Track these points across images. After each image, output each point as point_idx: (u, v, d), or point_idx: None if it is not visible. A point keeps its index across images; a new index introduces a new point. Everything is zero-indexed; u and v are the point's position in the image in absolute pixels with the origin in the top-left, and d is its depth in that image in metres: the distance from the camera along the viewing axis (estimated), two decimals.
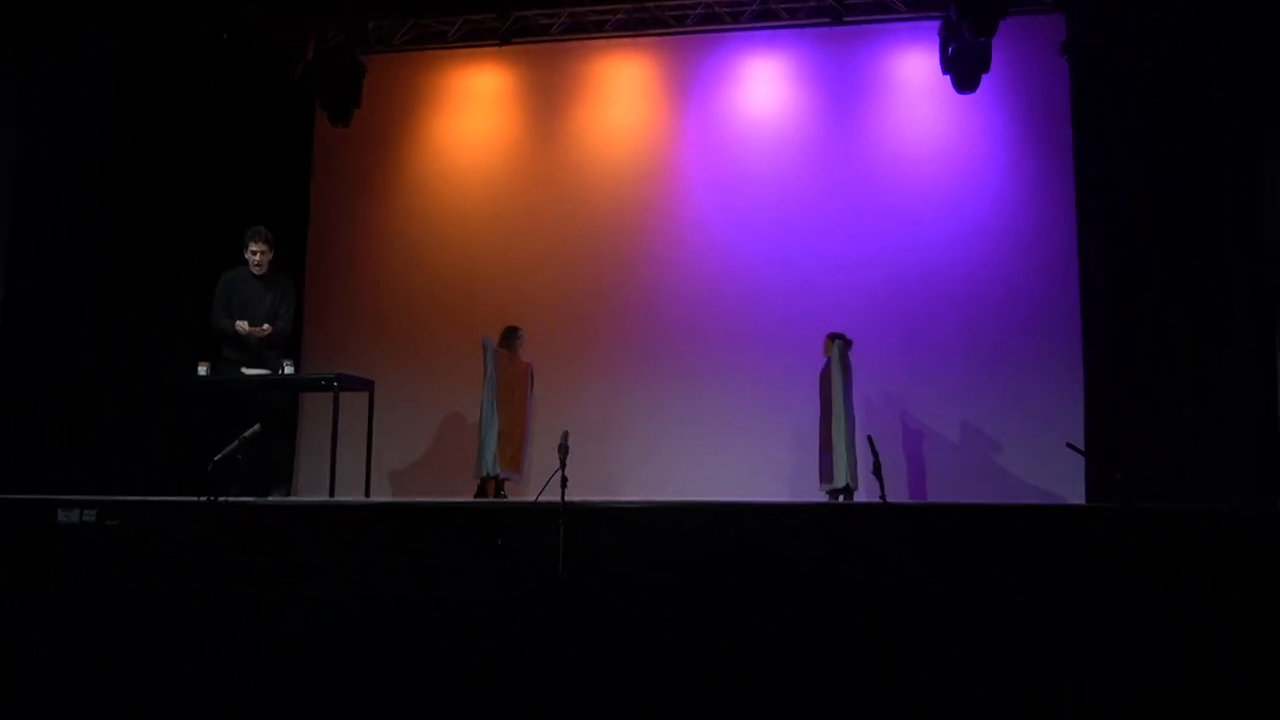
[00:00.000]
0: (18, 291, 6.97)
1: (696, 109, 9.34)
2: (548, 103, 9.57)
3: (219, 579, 4.27)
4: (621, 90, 9.50)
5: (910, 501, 7.74)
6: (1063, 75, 8.43)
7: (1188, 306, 6.94)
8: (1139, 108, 7.53)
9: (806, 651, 3.84)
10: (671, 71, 9.44)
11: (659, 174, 9.31)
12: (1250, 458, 6.44)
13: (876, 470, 4.31)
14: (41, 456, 7.15)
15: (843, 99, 9.08)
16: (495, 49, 9.62)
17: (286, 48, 7.74)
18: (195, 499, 4.60)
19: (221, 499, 4.48)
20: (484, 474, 7.97)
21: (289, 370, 6.55)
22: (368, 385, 6.94)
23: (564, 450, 4.31)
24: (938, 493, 8.22)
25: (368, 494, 7.01)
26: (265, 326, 6.62)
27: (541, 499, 4.56)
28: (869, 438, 4.50)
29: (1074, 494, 7.73)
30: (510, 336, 8.27)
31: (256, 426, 4.66)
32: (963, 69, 8.27)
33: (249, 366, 6.64)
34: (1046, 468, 7.97)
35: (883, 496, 4.30)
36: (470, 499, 7.72)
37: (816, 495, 7.87)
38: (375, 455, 7.06)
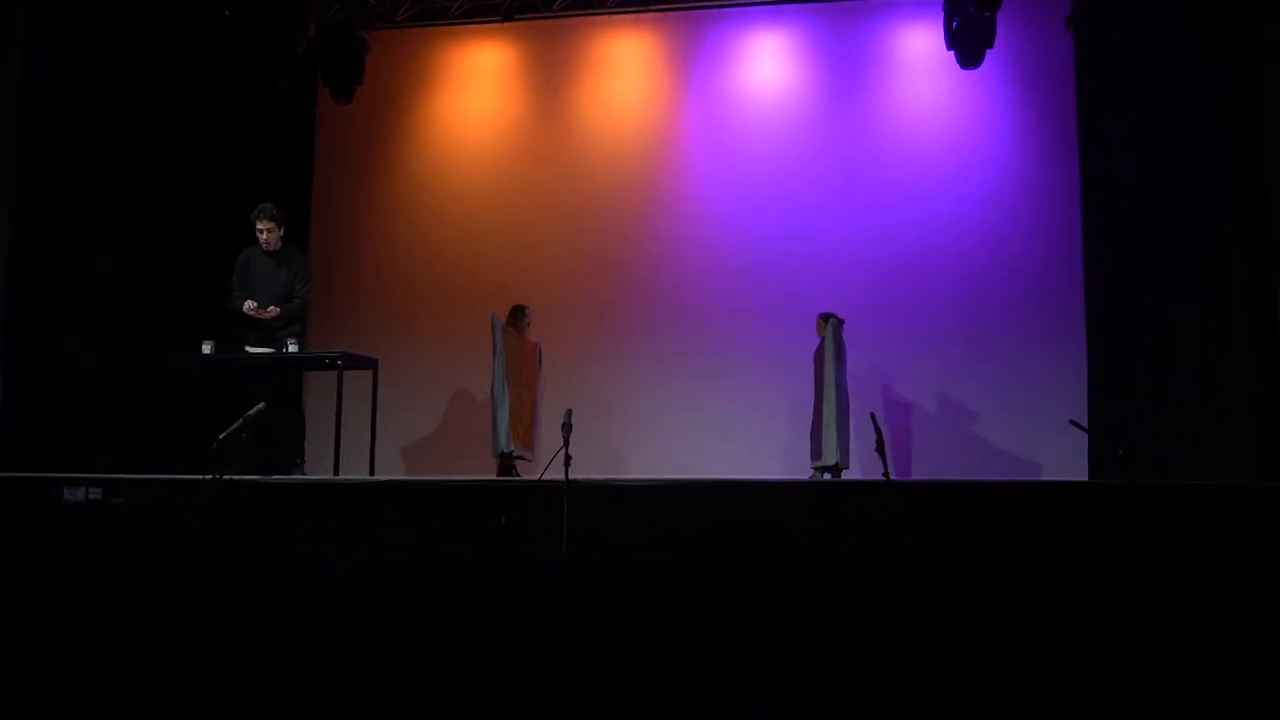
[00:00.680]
0: (21, 273, 6.97)
1: (700, 85, 9.30)
2: (551, 79, 9.53)
3: (224, 556, 4.29)
4: (624, 67, 9.45)
5: (911, 479, 7.75)
6: (1067, 50, 8.39)
7: (1187, 289, 6.93)
8: (1137, 105, 7.50)
9: (806, 628, 3.86)
10: (674, 47, 9.40)
11: (662, 150, 9.28)
12: (1250, 440, 6.44)
13: (879, 448, 4.30)
14: (47, 436, 7.17)
15: (846, 74, 9.04)
16: (498, 25, 9.58)
17: (286, 31, 7.70)
18: (201, 477, 4.61)
19: (226, 477, 4.49)
20: (499, 451, 8.01)
21: (293, 349, 6.55)
22: (371, 364, 6.94)
23: (567, 428, 4.31)
24: (939, 471, 8.23)
25: (372, 472, 7.03)
26: (272, 308, 6.62)
27: (545, 477, 4.57)
28: (872, 415, 4.49)
29: (1077, 472, 7.74)
30: (518, 315, 8.28)
31: (261, 405, 4.66)
32: (967, 44, 8.24)
33: (254, 345, 6.65)
34: (1049, 445, 7.98)
35: (886, 474, 4.30)
36: (472, 477, 7.74)
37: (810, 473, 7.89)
38: (380, 433, 7.06)
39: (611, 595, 4.01)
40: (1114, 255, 7.82)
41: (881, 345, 8.56)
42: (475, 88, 9.69)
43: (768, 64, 9.23)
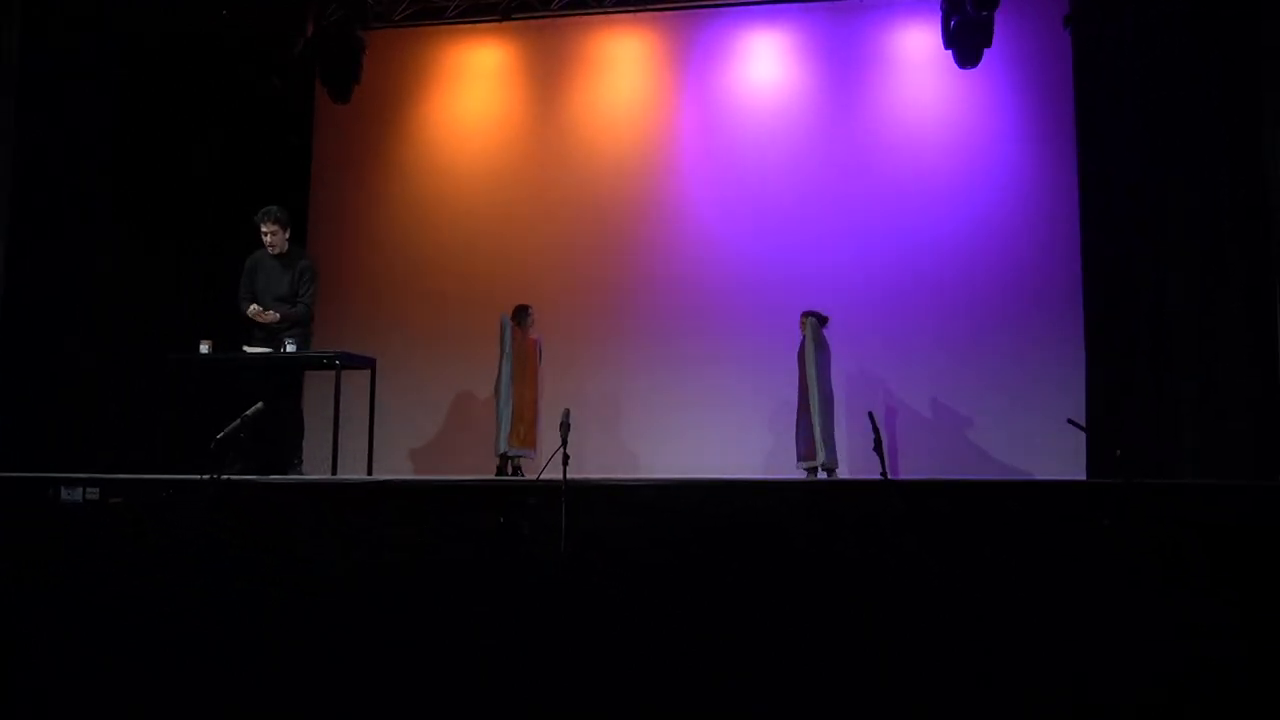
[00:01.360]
0: (20, 272, 6.96)
1: (698, 84, 9.29)
2: (549, 79, 9.53)
3: (222, 556, 4.28)
4: (622, 66, 9.45)
5: (910, 478, 7.74)
6: (1065, 49, 8.40)
7: (1186, 288, 6.92)
8: (1136, 105, 7.50)
9: (805, 628, 3.86)
10: (672, 46, 9.39)
11: (660, 149, 9.27)
12: (1249, 439, 6.44)
13: (877, 447, 4.30)
14: (44, 435, 7.16)
15: (843, 73, 9.03)
16: (496, 24, 9.57)
17: (284, 30, 7.70)
18: (199, 477, 4.60)
19: (224, 477, 4.49)
20: (502, 451, 8.00)
21: (291, 349, 6.54)
22: (369, 363, 6.93)
23: (565, 428, 4.31)
24: (937, 471, 8.21)
25: (370, 472, 7.02)
26: (271, 313, 6.61)
27: (543, 477, 4.56)
28: (870, 414, 4.49)
29: (1075, 471, 7.73)
30: (522, 314, 8.28)
31: (260, 405, 4.66)
32: (965, 43, 8.24)
33: (255, 346, 6.64)
34: (1047, 444, 7.96)
35: (884, 473, 4.29)
36: (470, 477, 7.73)
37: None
38: (377, 433, 7.05)
39: (610, 595, 4.00)
40: (1112, 254, 7.82)
41: (878, 344, 8.57)
42: (473, 87, 9.68)
43: (765, 63, 9.23)
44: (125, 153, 7.92)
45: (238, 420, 4.51)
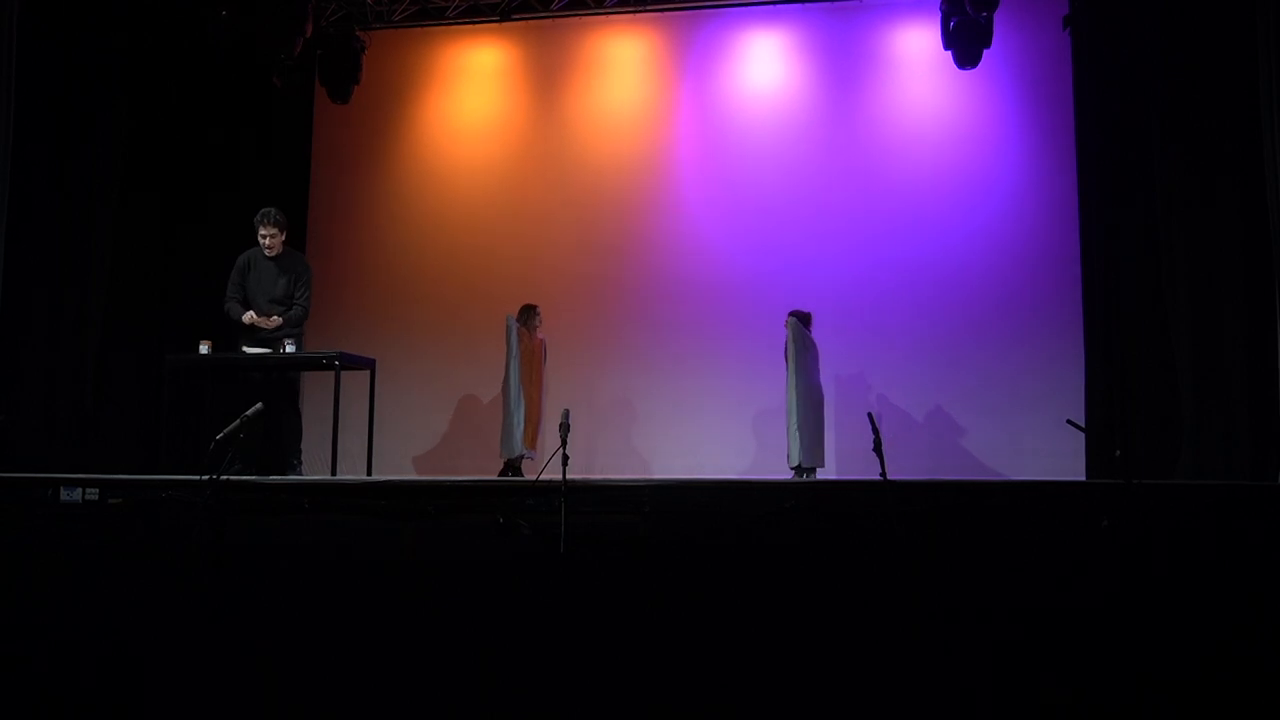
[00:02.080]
0: (18, 272, 6.97)
1: (697, 84, 9.31)
2: (548, 79, 9.54)
3: (221, 556, 4.30)
4: (622, 66, 9.46)
5: (909, 479, 7.75)
6: (1065, 50, 8.41)
7: (1186, 288, 6.93)
8: (1136, 106, 7.51)
9: (805, 629, 3.87)
10: (672, 47, 9.40)
11: (660, 150, 9.28)
12: (1247, 440, 6.45)
13: (877, 448, 4.31)
14: (43, 435, 7.17)
15: (842, 74, 9.05)
16: (495, 25, 9.58)
17: (283, 31, 7.72)
18: (198, 477, 4.61)
19: (223, 477, 4.50)
20: (512, 454, 8.00)
21: (290, 349, 6.55)
22: (369, 364, 6.94)
23: (565, 429, 4.32)
24: (936, 472, 8.22)
25: (370, 472, 7.03)
26: (273, 318, 6.61)
27: (543, 477, 4.58)
28: (869, 415, 4.51)
29: (1074, 472, 7.75)
30: (528, 315, 8.28)
31: (259, 405, 4.67)
32: (964, 44, 8.25)
33: (250, 346, 6.65)
34: (1047, 445, 7.97)
35: (883, 473, 4.31)
36: (470, 477, 7.74)
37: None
38: (377, 433, 7.06)
39: (609, 595, 4.01)
40: (1112, 255, 7.83)
41: (878, 345, 8.58)
42: (472, 88, 9.69)
43: (765, 63, 9.24)
44: (124, 153, 7.93)
45: (237, 421, 4.53)
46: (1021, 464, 8.09)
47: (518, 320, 8.20)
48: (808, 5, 9.18)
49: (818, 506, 4.74)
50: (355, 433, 6.95)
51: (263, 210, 6.73)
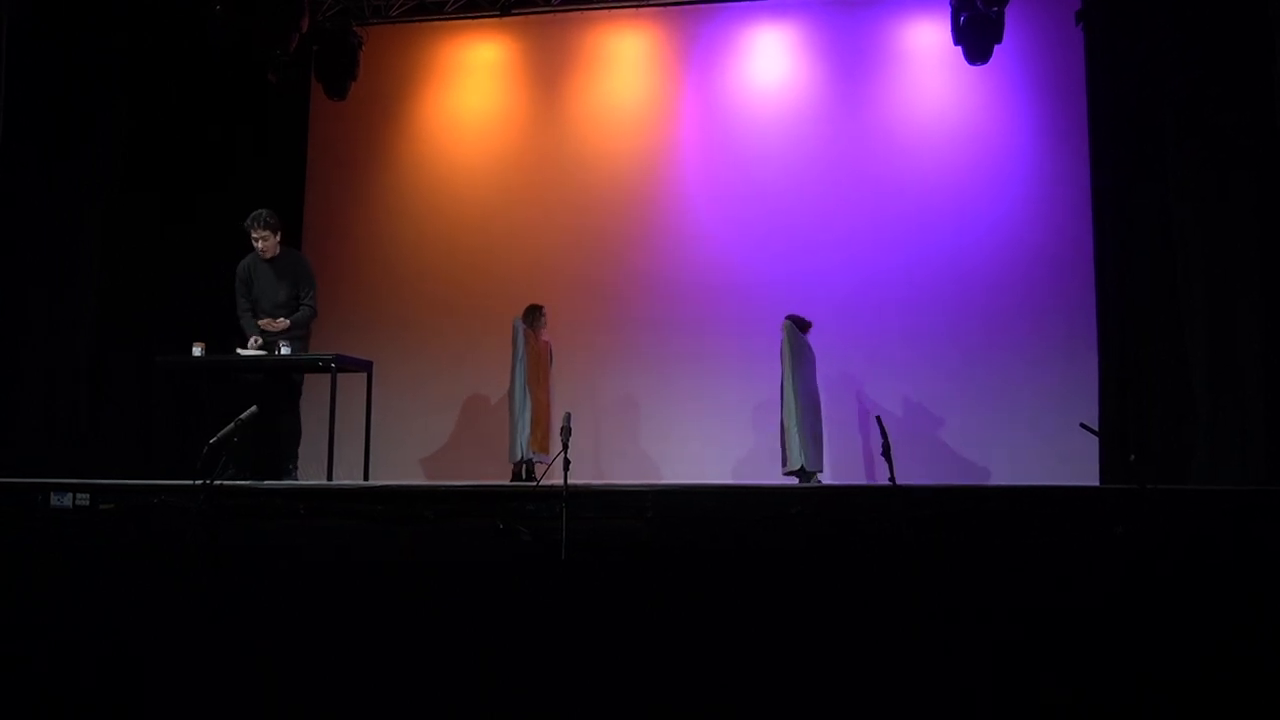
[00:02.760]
0: (8, 272, 6.98)
1: (701, 80, 9.29)
2: (549, 75, 9.53)
3: (215, 562, 4.29)
4: (624, 62, 9.45)
5: (921, 484, 7.74)
6: (1078, 45, 8.39)
7: (1203, 287, 6.90)
8: (1150, 101, 7.48)
9: (811, 637, 3.85)
10: (675, 42, 9.39)
11: (662, 147, 9.27)
12: (1262, 443, 6.42)
13: (886, 452, 4.30)
14: (34, 439, 7.17)
15: (850, 69, 9.03)
16: (495, 20, 9.56)
17: (279, 26, 7.73)
18: (191, 482, 4.60)
19: (217, 482, 4.49)
20: (518, 458, 7.97)
21: (286, 351, 6.53)
22: (366, 366, 6.93)
23: (566, 433, 4.31)
24: (944, 476, 8.20)
25: (367, 477, 7.02)
26: (281, 320, 6.60)
27: (545, 481, 4.57)
28: (877, 418, 4.50)
29: (1088, 477, 7.73)
30: (534, 315, 8.25)
31: (254, 408, 4.66)
32: (974, 39, 8.22)
33: (245, 349, 6.63)
34: (1059, 449, 7.93)
35: (892, 479, 4.29)
36: (469, 482, 7.73)
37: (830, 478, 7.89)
38: (374, 437, 7.04)
39: (611, 603, 4.00)
40: (1127, 255, 7.81)
41: (887, 346, 8.56)
42: (471, 84, 9.68)
43: (770, 59, 9.22)
44: (114, 150, 7.93)
45: (231, 424, 4.52)
46: (1033, 468, 8.06)
47: (523, 321, 8.18)
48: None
49: (824, 512, 4.72)
50: (352, 436, 6.93)
51: (253, 214, 6.67)
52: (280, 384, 6.75)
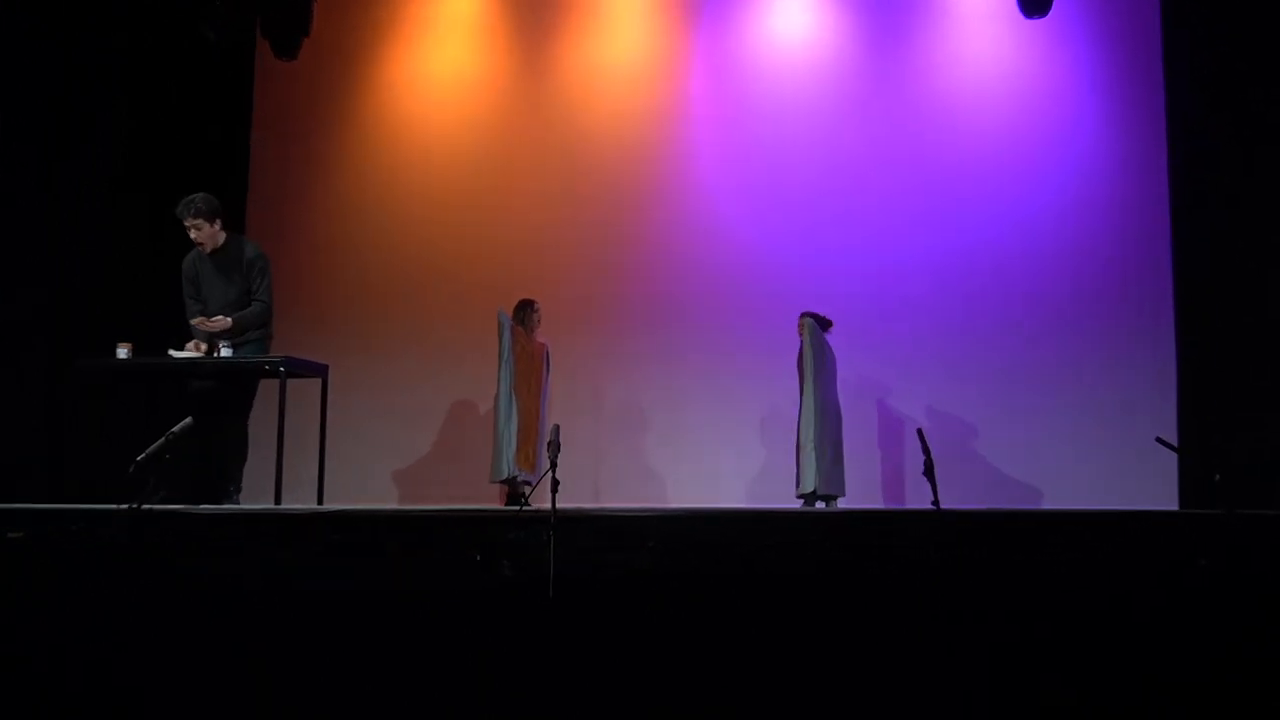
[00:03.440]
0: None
1: (713, 36, 9.29)
2: (536, 31, 9.52)
3: (141, 598, 4.27)
4: (623, 15, 9.43)
5: (967, 508, 7.72)
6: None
7: None
8: (1235, 58, 7.46)
9: (834, 683, 3.84)
10: None
11: (668, 113, 9.28)
12: None
13: (928, 471, 4.28)
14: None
15: (885, 25, 9.04)
16: None
17: None
18: (115, 506, 4.59)
19: (145, 506, 4.47)
20: (503, 476, 7.90)
21: (227, 354, 6.50)
22: (321, 370, 6.91)
23: (555, 448, 4.29)
24: (1001, 500, 8.19)
25: (320, 500, 7.00)
26: (219, 318, 6.57)
27: (533, 504, 4.56)
28: (919, 431, 4.47)
29: (1166, 500, 7.71)
30: (525, 311, 8.20)
31: (188, 420, 4.64)
32: None
33: (178, 350, 6.61)
34: (1132, 466, 7.92)
35: (935, 501, 4.27)
36: (440, 506, 7.71)
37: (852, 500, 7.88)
38: (330, 453, 7.02)
39: (603, 646, 3.98)
40: (1210, 242, 7.78)
41: (926, 348, 8.55)
42: (446, 41, 9.66)
43: (791, 13, 9.21)
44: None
45: (162, 439, 4.50)
46: (1096, 489, 8.03)
47: (512, 318, 8.13)
48: None
49: (854, 541, 4.71)
50: (303, 452, 6.92)
51: (183, 201, 6.61)
52: (227, 391, 6.71)
